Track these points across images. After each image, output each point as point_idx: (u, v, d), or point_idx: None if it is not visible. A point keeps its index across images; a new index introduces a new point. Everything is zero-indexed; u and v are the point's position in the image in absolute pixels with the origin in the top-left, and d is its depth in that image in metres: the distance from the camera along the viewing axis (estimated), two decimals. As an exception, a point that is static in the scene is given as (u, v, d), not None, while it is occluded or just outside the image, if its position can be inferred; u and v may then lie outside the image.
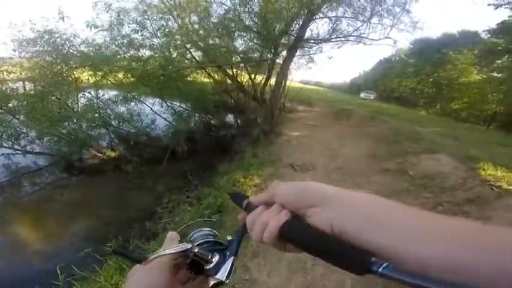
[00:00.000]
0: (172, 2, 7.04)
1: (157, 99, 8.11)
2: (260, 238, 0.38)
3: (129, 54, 7.43)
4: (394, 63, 35.80)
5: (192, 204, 4.22)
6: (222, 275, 0.38)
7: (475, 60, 22.63)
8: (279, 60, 8.71)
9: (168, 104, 8.24)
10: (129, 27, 7.25)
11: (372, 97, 27.45)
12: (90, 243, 3.62)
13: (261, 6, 6.98)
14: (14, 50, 6.19)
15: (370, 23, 7.12)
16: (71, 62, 6.13)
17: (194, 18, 7.81)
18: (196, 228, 0.47)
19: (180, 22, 7.35)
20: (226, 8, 7.38)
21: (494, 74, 19.48)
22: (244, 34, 7.81)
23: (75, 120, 6.18)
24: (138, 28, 7.27)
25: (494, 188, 3.65)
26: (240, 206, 0.45)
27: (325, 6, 6.75)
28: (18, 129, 5.83)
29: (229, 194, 0.51)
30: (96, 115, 6.35)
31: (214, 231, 0.47)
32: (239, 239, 0.43)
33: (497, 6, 12.80)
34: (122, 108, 7.22)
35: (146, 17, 7.09)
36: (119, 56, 7.24)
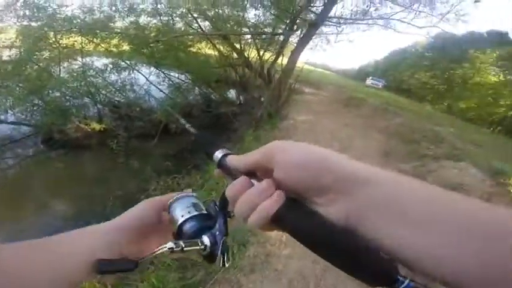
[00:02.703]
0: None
1: (155, 69, 7.37)
2: (245, 220, 0.28)
3: (129, 20, 6.74)
4: (408, 55, 34.72)
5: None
6: (219, 262, 0.34)
7: (496, 62, 21.71)
8: (292, 38, 7.91)
9: (166, 74, 7.48)
10: None
11: (380, 85, 26.49)
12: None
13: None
14: None
15: (412, 8, 6.25)
16: (57, 26, 5.52)
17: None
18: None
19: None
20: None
21: (514, 78, 18.64)
22: (259, 5, 6.92)
23: (57, 89, 5.55)
24: None
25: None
26: (207, 154, 0.35)
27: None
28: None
29: (196, 135, 0.40)
30: (82, 83, 5.66)
31: (194, 194, 0.39)
32: (224, 214, 0.35)
33: None
34: (114, 77, 6.51)
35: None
36: (113, 22, 6.60)
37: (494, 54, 22.76)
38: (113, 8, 6.49)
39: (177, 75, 7.93)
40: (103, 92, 6.47)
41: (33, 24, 5.57)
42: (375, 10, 6.89)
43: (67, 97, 5.84)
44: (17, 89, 5.13)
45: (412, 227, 0.21)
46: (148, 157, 5.43)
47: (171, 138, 6.34)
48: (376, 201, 0.23)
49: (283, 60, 8.22)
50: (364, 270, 0.22)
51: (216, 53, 8.41)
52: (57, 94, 5.67)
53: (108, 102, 6.65)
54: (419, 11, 6.68)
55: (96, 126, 5.95)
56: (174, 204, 0.38)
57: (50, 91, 5.52)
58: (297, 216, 0.26)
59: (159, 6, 6.68)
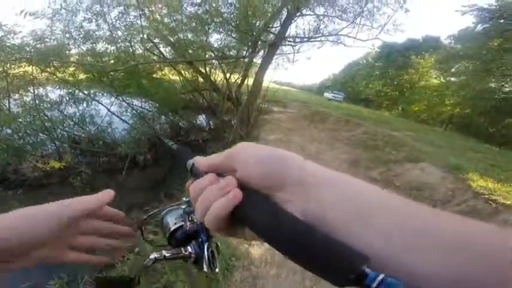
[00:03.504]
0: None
1: (116, 99, 7.03)
2: (202, 219, 0.28)
3: (85, 47, 6.49)
4: (362, 66, 37.35)
5: (156, 230, 3.48)
6: (207, 268, 0.34)
7: (434, 65, 24.14)
8: (256, 60, 8.20)
9: (129, 103, 7.20)
10: (84, 17, 6.33)
11: (341, 98, 28.19)
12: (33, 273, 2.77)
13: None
14: None
15: (355, 23, 6.84)
16: (5, 55, 5.10)
17: (163, 8, 6.99)
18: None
19: (146, 12, 6.47)
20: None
21: (452, 79, 20.81)
22: (221, 29, 7.12)
23: (8, 126, 5.02)
24: (92, 18, 6.34)
25: (490, 202, 3.44)
26: (185, 167, 0.35)
27: (312, 1, 6.29)
28: None
29: (174, 150, 0.40)
30: (36, 118, 5.23)
31: (186, 207, 0.39)
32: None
33: (463, 13, 13.40)
34: (71, 109, 6.11)
35: (101, 6, 6.10)
36: (68, 49, 6.27)
37: (432, 59, 25.34)
38: (67, 35, 6.19)
39: (140, 104, 7.68)
40: (60, 126, 6.03)
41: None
42: (325, 27, 7.46)
43: (20, 134, 5.23)
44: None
45: (375, 232, 0.21)
46: (116, 192, 5.09)
47: (140, 171, 6.06)
48: (332, 201, 0.23)
49: (249, 81, 8.41)
50: (325, 263, 0.20)
51: (181, 78, 8.35)
52: (9, 131, 5.09)
53: (67, 137, 6.19)
54: (362, 25, 7.30)
55: (56, 164, 5.47)
56: (167, 213, 0.40)
57: (0, 128, 4.94)
58: (259, 212, 0.25)
59: (116, 33, 6.49)
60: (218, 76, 8.78)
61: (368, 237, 0.21)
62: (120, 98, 6.84)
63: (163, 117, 8.10)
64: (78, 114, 6.20)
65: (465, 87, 17.03)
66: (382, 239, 0.21)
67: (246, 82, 8.43)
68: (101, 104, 6.67)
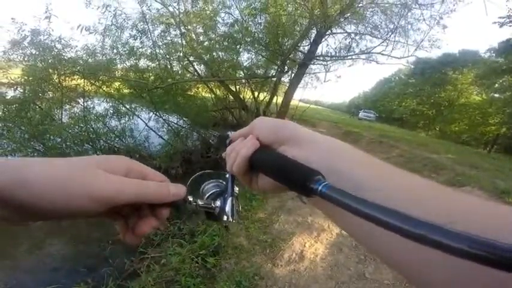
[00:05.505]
0: (177, 9, 6.60)
1: (153, 114, 7.47)
2: (231, 168, 0.40)
3: (128, 64, 7.01)
4: (394, 84, 35.84)
5: (183, 243, 3.55)
6: (227, 217, 0.43)
7: (475, 81, 22.42)
8: (284, 78, 8.28)
9: (165, 119, 7.60)
10: (129, 34, 6.87)
11: (372, 117, 27.09)
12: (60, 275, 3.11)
13: (270, 19, 6.58)
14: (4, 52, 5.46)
15: (389, 40, 6.69)
16: (62, 68, 5.51)
17: (199, 28, 7.45)
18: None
19: (184, 31, 6.91)
20: (234, 18, 6.97)
21: (496, 95, 19.14)
22: (251, 48, 7.36)
23: (59, 135, 5.48)
24: (137, 35, 6.87)
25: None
26: (225, 145, 0.47)
27: (342, 19, 6.31)
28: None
29: (218, 137, 0.51)
30: (83, 129, 5.68)
31: (221, 181, 0.49)
32: (231, 178, 0.46)
33: (502, 24, 12.40)
34: (114, 122, 6.58)
35: (146, 23, 6.60)
36: (115, 65, 6.76)
37: (472, 74, 23.54)
38: (114, 51, 6.69)
39: (175, 120, 7.99)
40: (103, 138, 6.45)
41: (39, 64, 5.39)
42: (356, 45, 7.38)
43: (68, 143, 5.67)
44: (19, 133, 4.99)
45: (337, 175, 0.30)
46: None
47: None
48: (311, 152, 0.34)
49: (278, 99, 8.46)
50: (296, 179, 0.29)
51: (213, 96, 8.66)
52: (58, 140, 5.49)
53: (108, 148, 6.63)
54: (397, 41, 7.09)
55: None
56: (206, 186, 0.49)
57: (52, 137, 5.33)
58: (264, 154, 0.37)
59: (158, 50, 6.91)
60: (247, 94, 8.95)
61: (331, 178, 0.28)
62: (158, 114, 7.23)
63: (195, 133, 8.38)
64: (119, 127, 6.65)
65: (511, 104, 15.57)
66: (343, 179, 0.29)
67: (275, 100, 8.51)
68: (140, 118, 7.09)
